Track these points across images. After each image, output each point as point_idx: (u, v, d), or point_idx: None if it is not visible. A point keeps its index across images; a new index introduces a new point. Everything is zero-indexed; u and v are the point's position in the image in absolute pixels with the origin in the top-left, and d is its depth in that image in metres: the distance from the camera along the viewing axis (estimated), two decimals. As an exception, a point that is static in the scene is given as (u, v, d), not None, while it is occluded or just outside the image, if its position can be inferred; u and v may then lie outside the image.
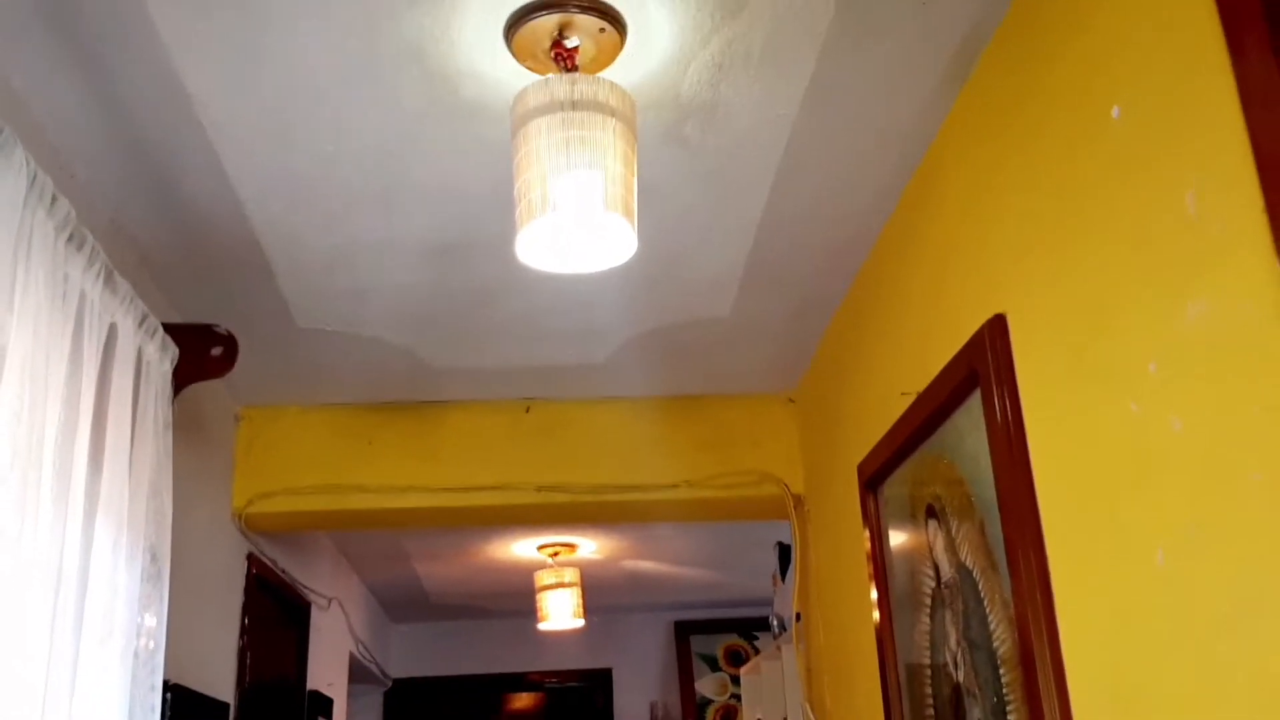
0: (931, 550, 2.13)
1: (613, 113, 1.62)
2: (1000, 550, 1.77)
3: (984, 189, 1.86)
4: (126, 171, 2.05)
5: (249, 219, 2.22)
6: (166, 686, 2.45)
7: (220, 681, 3.07)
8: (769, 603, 4.21)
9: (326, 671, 4.58)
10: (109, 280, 1.83)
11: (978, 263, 1.89)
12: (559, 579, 5.04)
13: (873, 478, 2.46)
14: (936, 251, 2.09)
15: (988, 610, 1.85)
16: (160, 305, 2.42)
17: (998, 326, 1.78)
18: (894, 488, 2.38)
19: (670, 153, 2.05)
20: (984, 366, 1.81)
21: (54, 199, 1.60)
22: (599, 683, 6.82)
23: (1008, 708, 1.77)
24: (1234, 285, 1.19)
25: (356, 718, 6.08)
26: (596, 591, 5.58)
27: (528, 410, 3.32)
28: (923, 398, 2.11)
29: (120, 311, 1.88)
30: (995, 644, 1.82)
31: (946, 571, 2.06)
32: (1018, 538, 1.69)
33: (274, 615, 3.64)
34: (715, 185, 2.17)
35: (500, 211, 2.10)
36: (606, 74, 1.75)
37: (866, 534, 2.51)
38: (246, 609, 3.29)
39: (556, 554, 5.06)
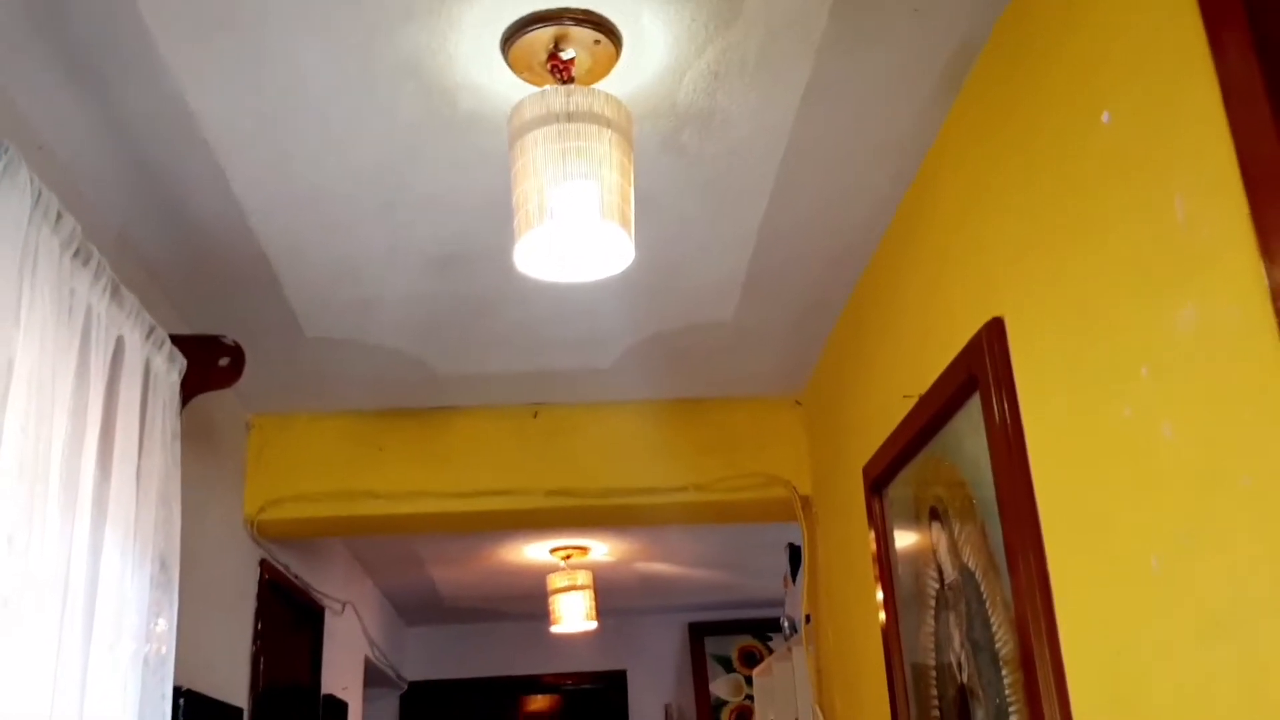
0: (935, 552, 2.14)
1: (608, 123, 1.64)
2: (1001, 552, 1.78)
3: (980, 194, 1.87)
4: (133, 188, 2.08)
5: (254, 232, 2.25)
6: (179, 692, 2.48)
7: (234, 687, 3.10)
8: (782, 604, 4.22)
9: (341, 675, 4.61)
10: (116, 294, 1.85)
11: (976, 266, 1.90)
12: (571, 582, 5.06)
13: (877, 480, 2.47)
14: (935, 255, 2.10)
15: (990, 612, 1.86)
16: (170, 318, 2.45)
17: (995, 330, 1.79)
18: (898, 490, 2.39)
19: (669, 161, 2.07)
20: (982, 369, 1.82)
21: (59, 216, 1.63)
22: (614, 685, 6.84)
23: (1010, 709, 1.78)
24: (1221, 290, 1.20)
25: (373, 721, 6.12)
26: (610, 594, 5.60)
27: (535, 415, 3.34)
28: (924, 400, 2.12)
29: (127, 325, 1.90)
30: (998, 645, 1.83)
31: (950, 573, 2.07)
32: (1017, 540, 1.70)
33: (287, 620, 3.67)
34: (714, 192, 2.19)
35: (501, 222, 2.12)
36: (603, 85, 1.77)
37: (872, 536, 2.52)
38: (259, 614, 3.32)
39: (569, 557, 5.08)
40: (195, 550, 2.61)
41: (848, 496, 2.78)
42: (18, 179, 1.52)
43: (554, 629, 5.15)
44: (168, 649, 1.99)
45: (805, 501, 3.30)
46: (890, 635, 2.41)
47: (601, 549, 5.10)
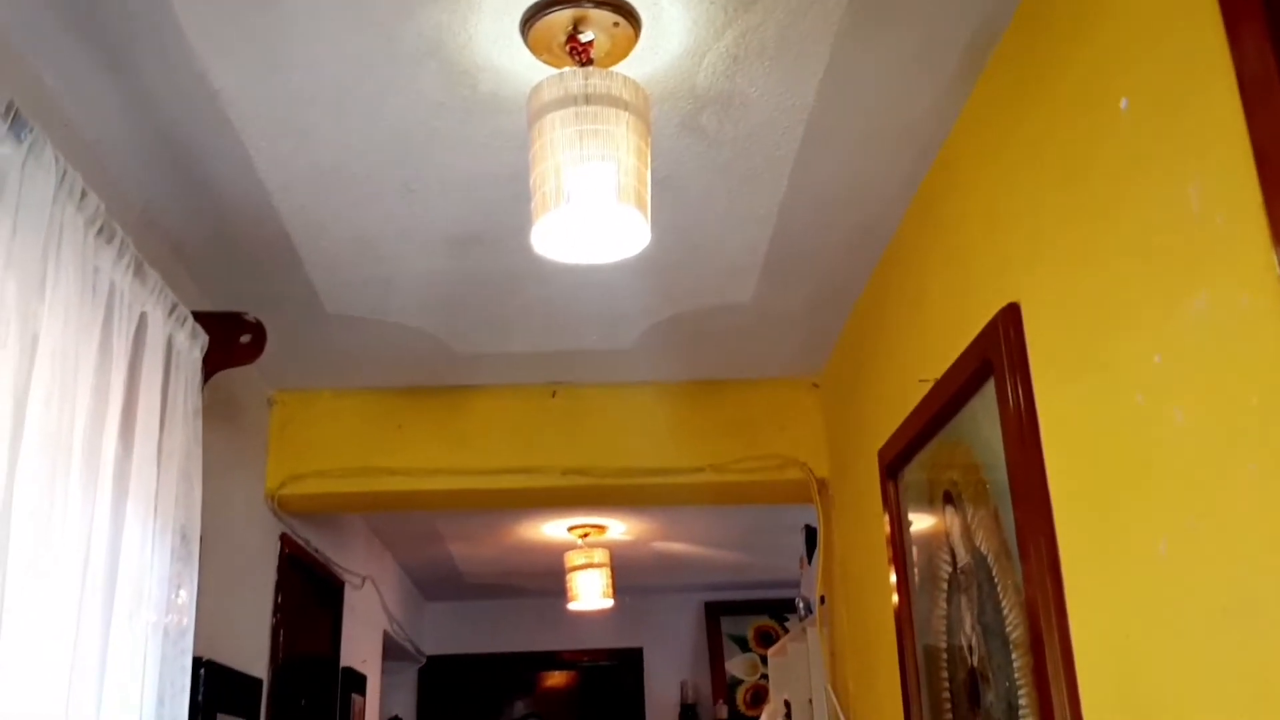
0: (948, 535, 2.15)
1: (626, 106, 1.64)
2: (1013, 536, 1.79)
3: (998, 179, 1.87)
4: (156, 165, 2.10)
5: (277, 210, 2.27)
6: (200, 663, 2.52)
7: (254, 658, 3.14)
8: (798, 585, 4.24)
9: (360, 649, 4.66)
10: (139, 271, 1.88)
11: (993, 251, 1.90)
12: (589, 560, 5.09)
13: (893, 463, 2.48)
14: (954, 239, 2.10)
15: (1001, 595, 1.87)
16: (192, 294, 2.48)
17: (1011, 315, 1.79)
18: (913, 473, 2.40)
19: (688, 142, 2.07)
20: (998, 354, 1.82)
21: (84, 194, 1.65)
22: (630, 662, 6.88)
23: (1019, 691, 1.79)
24: (1233, 279, 1.20)
25: (391, 694, 6.18)
26: (627, 572, 5.63)
27: (554, 395, 3.36)
28: (940, 384, 2.12)
29: (150, 301, 1.93)
30: (1008, 629, 1.84)
31: (962, 556, 2.07)
32: (1029, 524, 1.71)
33: (308, 594, 3.72)
34: (733, 174, 2.19)
35: (520, 202, 2.12)
36: (622, 67, 1.78)
37: (886, 519, 2.53)
38: (280, 587, 3.36)
39: (586, 535, 5.12)
40: (217, 524, 2.65)
41: (863, 479, 2.79)
42: (43, 158, 1.54)
43: (571, 606, 5.18)
44: (188, 620, 2.02)
45: (821, 484, 3.31)
46: (903, 618, 2.42)
47: (619, 528, 5.12)
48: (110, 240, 1.76)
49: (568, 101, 1.63)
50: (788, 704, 4.08)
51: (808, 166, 2.17)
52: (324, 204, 2.25)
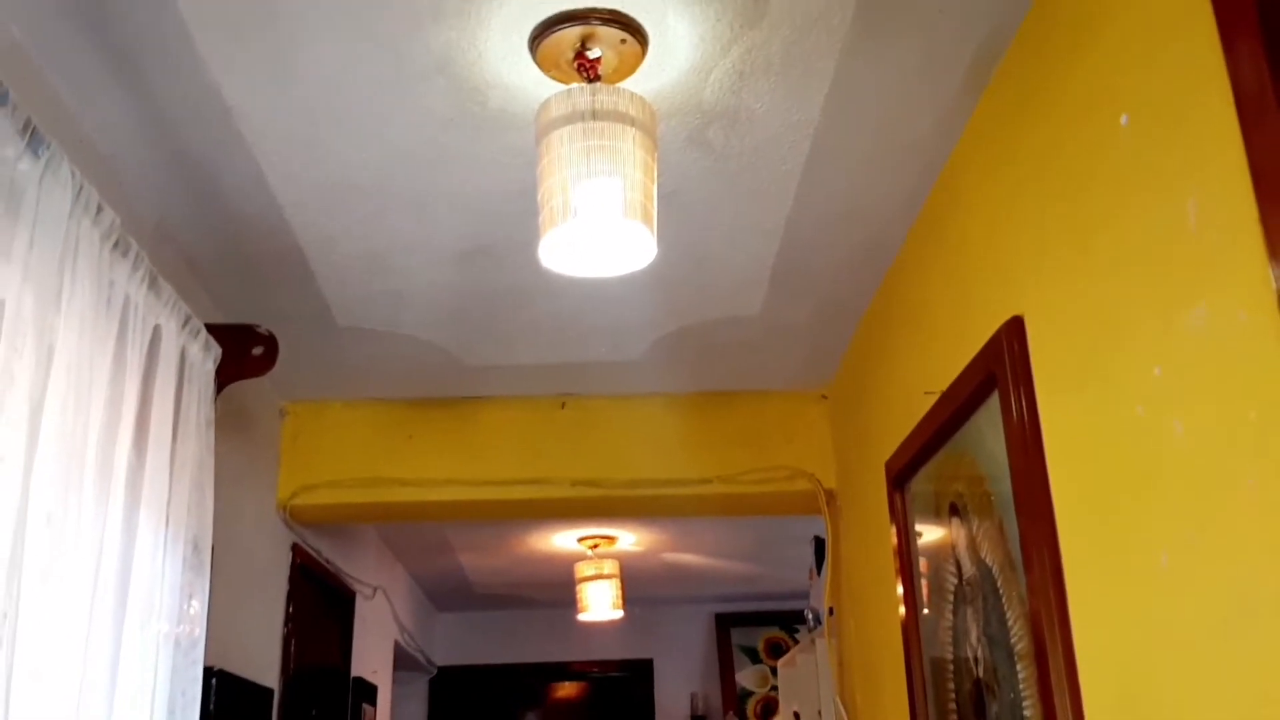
0: (954, 547, 2.16)
1: (632, 122, 1.67)
2: (1017, 548, 1.80)
3: (1003, 193, 1.88)
4: (171, 180, 2.13)
5: (289, 223, 2.30)
6: (211, 673, 2.54)
7: (265, 668, 3.17)
8: (808, 596, 4.24)
9: (371, 659, 4.68)
10: (153, 284, 1.90)
11: (997, 264, 1.91)
12: (599, 570, 5.10)
13: (899, 475, 2.49)
14: (958, 253, 2.12)
15: (1006, 607, 1.88)
16: (205, 306, 2.51)
17: (1015, 328, 1.81)
18: (920, 485, 2.41)
19: (695, 156, 2.09)
20: (1001, 367, 1.83)
21: (99, 209, 1.68)
22: (640, 673, 6.88)
23: (1024, 703, 1.80)
24: (1231, 293, 1.21)
25: (402, 704, 6.19)
26: (637, 583, 5.64)
27: (563, 406, 3.38)
28: (946, 397, 2.13)
29: (164, 314, 1.96)
30: (1013, 640, 1.85)
31: (968, 568, 2.08)
32: (1033, 536, 1.72)
33: (319, 604, 3.74)
34: (740, 188, 2.21)
35: (528, 216, 2.15)
36: (629, 82, 1.80)
37: (893, 530, 2.54)
38: (291, 597, 3.38)
39: (596, 546, 5.13)
40: (229, 534, 2.68)
41: (871, 491, 2.80)
42: (60, 174, 1.57)
43: (581, 617, 5.19)
44: (199, 630, 2.04)
45: (830, 495, 3.32)
46: (910, 629, 2.43)
47: (629, 539, 5.14)
48: (125, 254, 1.79)
49: (575, 117, 1.65)
50: (797, 715, 4.08)
51: (814, 181, 2.19)
52: (335, 218, 2.28)
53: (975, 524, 2.03)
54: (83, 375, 1.63)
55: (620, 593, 5.15)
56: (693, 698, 6.75)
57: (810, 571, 4.08)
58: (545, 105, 1.71)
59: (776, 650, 6.57)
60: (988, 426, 1.95)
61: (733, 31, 1.75)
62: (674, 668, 6.86)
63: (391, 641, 5.20)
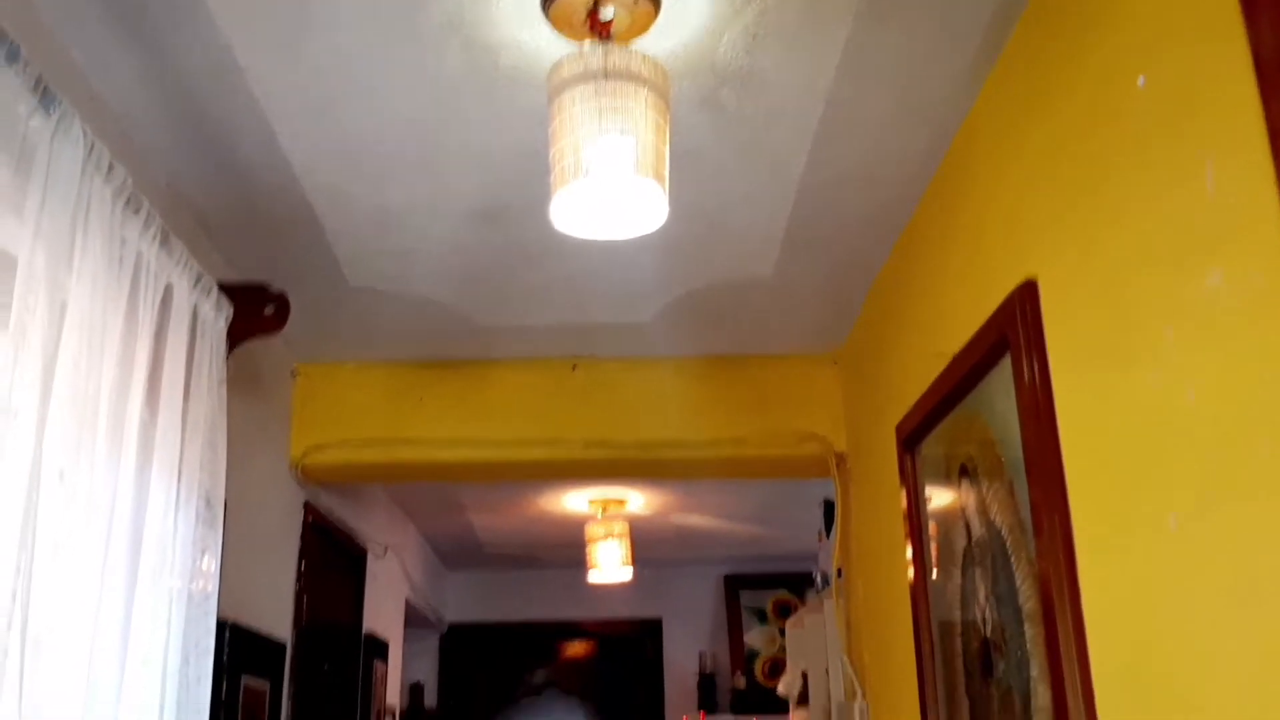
0: (964, 509, 2.17)
1: (645, 82, 1.66)
2: (1027, 510, 1.80)
3: (1018, 155, 1.87)
4: (183, 138, 2.13)
5: (300, 182, 2.29)
6: (225, 626, 2.57)
7: (278, 623, 3.20)
8: (816, 558, 4.26)
9: (382, 615, 4.73)
10: (165, 242, 1.91)
11: (1011, 228, 1.90)
12: (608, 531, 5.13)
13: (910, 437, 2.50)
14: (973, 216, 2.10)
15: (1015, 568, 1.89)
16: (217, 265, 2.51)
17: (1028, 291, 1.80)
18: (930, 447, 2.41)
19: (707, 118, 2.08)
20: (1014, 331, 1.83)
21: (111, 167, 1.68)
22: (649, 633, 6.94)
23: (1031, 662, 1.81)
24: (1247, 256, 1.21)
25: (413, 660, 6.27)
26: (646, 544, 5.67)
27: (574, 369, 3.39)
28: (957, 360, 2.13)
29: (176, 272, 1.96)
30: (1021, 600, 1.86)
31: (977, 530, 2.09)
32: (1043, 498, 1.72)
33: (331, 561, 3.77)
34: (753, 150, 2.20)
35: (540, 177, 2.13)
36: (642, 42, 1.79)
37: (904, 493, 2.54)
38: (303, 554, 3.41)
39: (606, 507, 5.15)
40: (242, 492, 2.70)
41: (881, 454, 2.81)
42: (71, 132, 1.57)
43: (591, 576, 5.23)
44: (212, 586, 2.06)
45: (840, 458, 3.33)
46: (918, 591, 2.44)
47: (639, 500, 5.16)
48: (137, 212, 1.79)
49: (588, 77, 1.64)
50: (805, 675, 4.11)
51: (827, 144, 2.18)
52: (347, 178, 2.28)
53: (985, 486, 2.04)
54: (95, 333, 1.64)
55: (630, 553, 5.18)
56: (701, 657, 6.81)
57: (819, 534, 4.10)
58: (557, 65, 1.69)
59: (784, 611, 6.61)
60: (999, 390, 1.94)
61: (746, -9, 1.74)
62: (683, 628, 6.92)
63: (402, 599, 5.24)
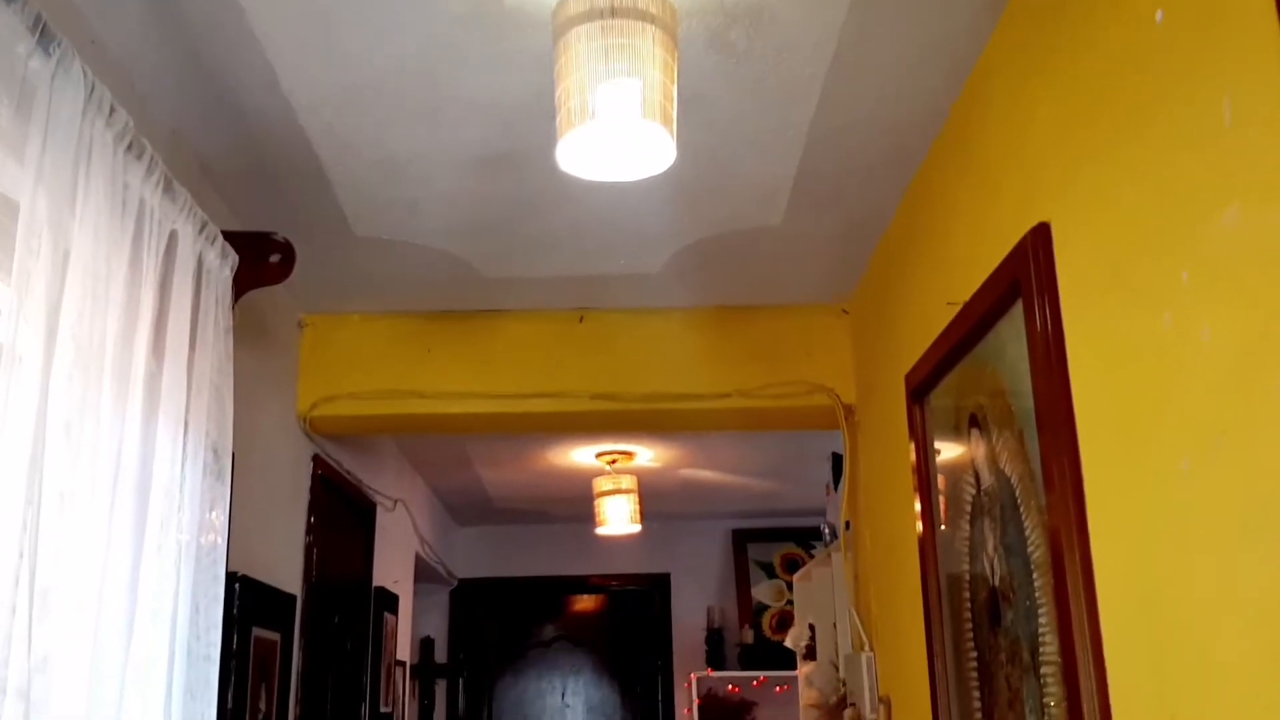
0: (973, 459, 2.15)
1: (653, 20, 1.63)
2: (1038, 458, 1.79)
3: (1032, 97, 1.84)
4: (184, 83, 2.10)
5: (304, 129, 2.27)
6: (235, 578, 2.58)
7: (288, 576, 3.21)
8: (824, 513, 4.27)
9: (392, 569, 4.75)
10: (168, 189, 1.88)
11: (1024, 171, 1.88)
12: (617, 485, 5.14)
13: (919, 388, 2.48)
14: (985, 160, 2.08)
15: (1024, 516, 1.88)
16: (222, 214, 2.49)
17: (1041, 235, 1.78)
18: (940, 398, 2.39)
19: (716, 59, 2.05)
20: (1026, 275, 1.81)
21: (112, 109, 1.65)
22: (657, 587, 6.98)
23: (1039, 610, 1.81)
24: (1266, 193, 1.18)
25: (423, 614, 6.31)
26: (655, 499, 5.68)
27: (581, 320, 3.37)
28: (968, 307, 2.11)
29: (180, 219, 1.94)
30: (1030, 549, 1.85)
31: (986, 479, 2.08)
32: (1053, 446, 1.71)
33: (340, 514, 3.78)
34: (763, 92, 2.16)
35: (546, 122, 2.11)
36: (649, -20, 1.75)
37: (912, 445, 2.53)
38: (312, 507, 3.42)
39: (614, 461, 5.16)
40: (250, 445, 2.70)
41: (890, 405, 2.79)
42: (71, 73, 1.54)
43: (599, 530, 5.25)
44: (221, 539, 2.06)
45: (848, 410, 3.31)
46: (926, 542, 2.44)
47: (647, 454, 5.16)
48: (139, 157, 1.77)
49: (593, 15, 1.61)
50: (812, 627, 4.13)
51: (838, 86, 2.14)
52: (350, 123, 2.25)
53: (995, 435, 2.02)
54: (99, 279, 1.62)
55: (638, 507, 5.19)
56: (709, 611, 6.85)
57: (827, 487, 4.10)
58: (562, 3, 1.67)
59: (792, 566, 6.63)
60: (1010, 337, 1.92)
61: (756, -73, 1.70)
62: (691, 582, 6.96)
63: (412, 553, 5.27)
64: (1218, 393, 1.28)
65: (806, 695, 4.13)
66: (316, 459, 3.47)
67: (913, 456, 2.52)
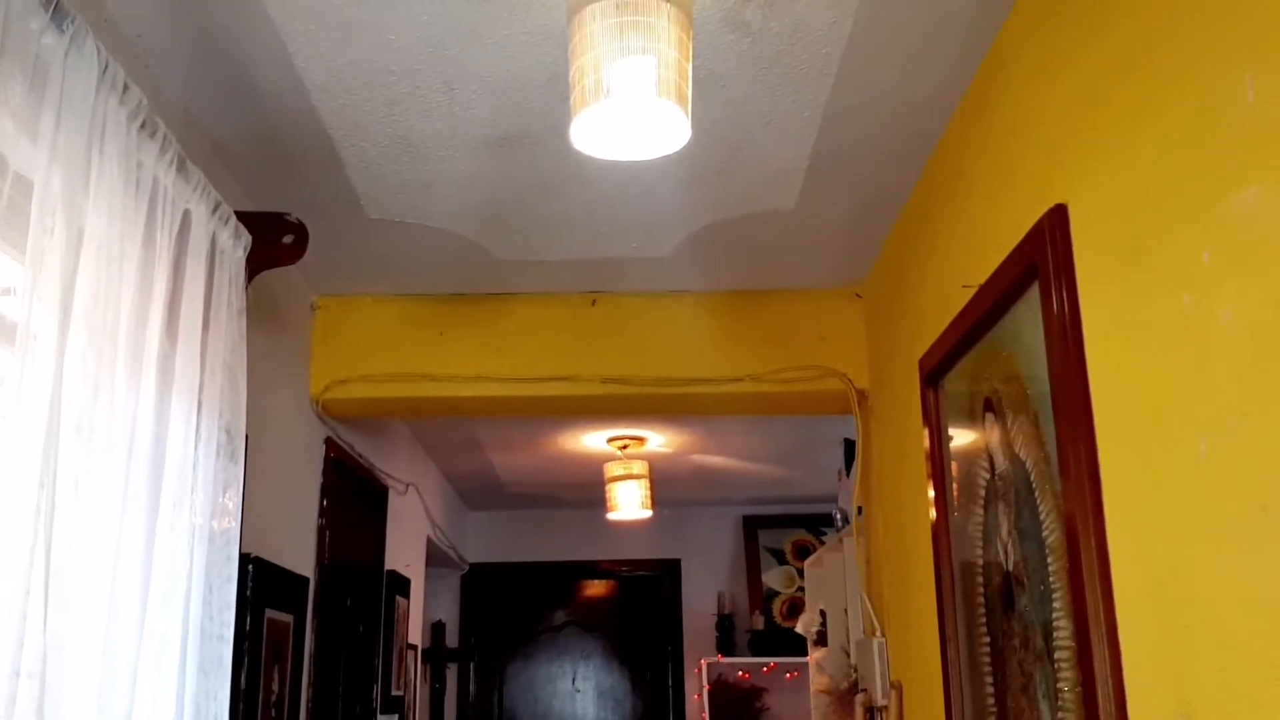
0: (988, 444, 2.14)
1: (667, -2, 1.61)
2: (1053, 442, 1.78)
3: (1049, 76, 1.82)
4: (198, 62, 2.10)
5: (317, 109, 2.26)
6: (248, 559, 2.59)
7: (301, 558, 3.22)
8: (836, 500, 4.26)
9: (404, 553, 4.76)
10: (182, 168, 1.88)
11: (1041, 151, 1.86)
12: (628, 470, 5.14)
13: (933, 372, 2.47)
14: (1001, 140, 2.06)
15: (1039, 501, 1.87)
16: (235, 194, 2.49)
17: (1058, 216, 1.76)
18: (954, 383, 2.38)
19: (731, 38, 2.03)
20: (1043, 257, 1.79)
21: (126, 87, 1.65)
22: (668, 572, 6.99)
23: (1054, 595, 1.80)
24: (1288, 172, 1.17)
25: (435, 598, 6.33)
26: (666, 484, 5.68)
27: (594, 303, 3.36)
28: (984, 290, 2.10)
29: (193, 199, 1.94)
30: (1045, 533, 1.84)
31: (1001, 464, 2.07)
32: (1070, 430, 1.70)
33: (352, 497, 3.79)
34: (778, 72, 2.15)
35: (560, 102, 2.11)
36: (664, -41, 1.74)
37: (926, 430, 2.52)
38: (325, 490, 3.43)
39: (625, 446, 5.16)
40: (263, 427, 2.70)
41: (903, 390, 2.78)
42: (85, 50, 1.54)
43: (610, 516, 5.25)
44: (234, 521, 2.06)
45: (861, 395, 3.30)
46: (939, 527, 2.43)
47: (658, 440, 5.16)
48: (153, 135, 1.77)
49: (608, -8, 1.60)
50: (823, 614, 4.13)
51: (854, 65, 2.13)
52: (363, 103, 2.24)
53: (1010, 420, 2.01)
54: (113, 258, 1.62)
55: (649, 493, 5.19)
56: (720, 597, 6.85)
57: (839, 473, 4.09)
58: (578, -19, 1.66)
59: (803, 552, 6.63)
60: (1026, 320, 1.91)
61: (772, -96, 1.68)
62: (702, 568, 6.96)
63: (424, 537, 5.28)
64: (1237, 375, 1.27)
65: (817, 681, 4.13)
66: (329, 442, 3.47)
67: (926, 442, 2.51)
